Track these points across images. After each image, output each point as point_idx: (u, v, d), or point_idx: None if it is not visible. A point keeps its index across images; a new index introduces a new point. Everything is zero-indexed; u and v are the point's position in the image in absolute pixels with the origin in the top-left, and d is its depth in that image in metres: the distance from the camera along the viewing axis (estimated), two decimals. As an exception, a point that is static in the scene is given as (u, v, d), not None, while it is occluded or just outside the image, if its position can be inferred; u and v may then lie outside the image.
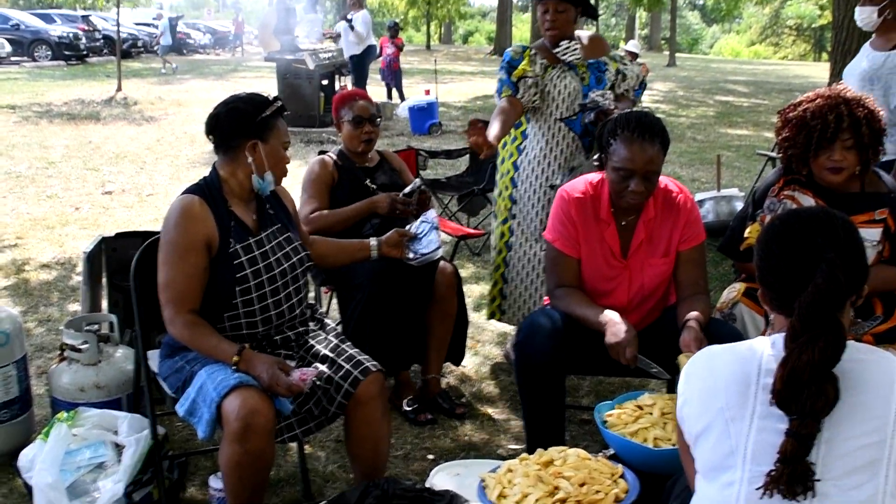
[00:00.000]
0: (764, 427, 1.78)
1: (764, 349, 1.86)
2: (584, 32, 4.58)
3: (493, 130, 4.13)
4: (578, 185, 3.46)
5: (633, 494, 2.52)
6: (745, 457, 1.79)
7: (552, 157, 4.48)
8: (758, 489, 1.73)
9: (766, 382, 1.80)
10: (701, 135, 14.74)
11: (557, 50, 4.43)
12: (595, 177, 3.47)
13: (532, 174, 4.52)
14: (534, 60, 4.42)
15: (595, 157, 3.53)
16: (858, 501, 1.72)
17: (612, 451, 2.95)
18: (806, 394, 1.72)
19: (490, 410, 4.25)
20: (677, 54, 40.73)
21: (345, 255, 3.57)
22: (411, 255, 3.61)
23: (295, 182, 4.38)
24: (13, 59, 29.36)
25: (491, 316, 4.79)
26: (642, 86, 4.66)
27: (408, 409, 4.14)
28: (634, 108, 3.67)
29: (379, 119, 4.54)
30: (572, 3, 4.37)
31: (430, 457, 3.77)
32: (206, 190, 3.03)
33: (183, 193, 3.03)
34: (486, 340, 5.17)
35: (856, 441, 1.74)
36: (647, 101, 18.12)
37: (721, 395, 1.84)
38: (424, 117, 13.82)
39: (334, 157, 4.37)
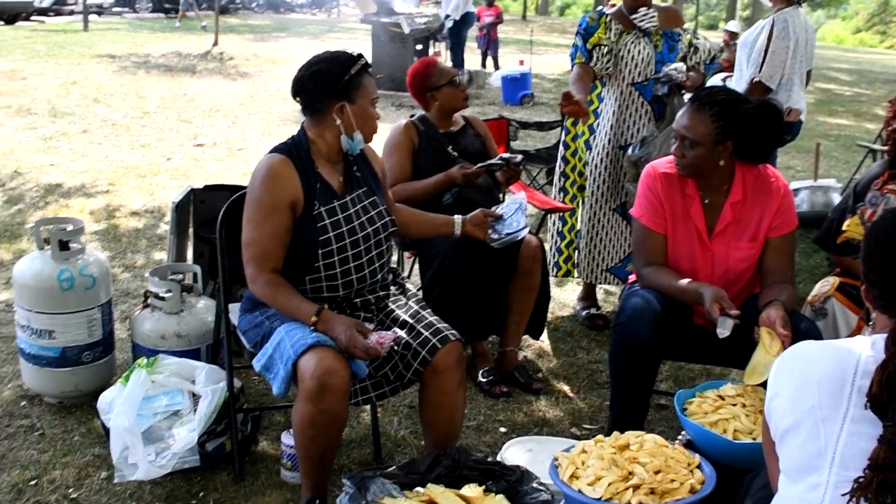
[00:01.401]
0: (856, 431, 1.69)
1: (863, 350, 1.76)
2: (661, 4, 4.64)
3: (578, 96, 4.31)
4: (665, 161, 3.39)
5: (709, 487, 2.45)
6: (833, 460, 1.70)
7: (622, 120, 4.65)
8: (844, 495, 1.65)
9: (862, 384, 1.70)
10: (799, 122, 14.32)
11: (635, 17, 4.59)
12: None
13: (605, 137, 4.69)
14: (609, 26, 4.58)
15: None
16: None
17: (687, 438, 2.88)
18: None
19: (566, 388, 4.18)
20: (780, 38, 39.61)
21: (427, 228, 3.51)
22: (494, 237, 3.51)
23: (379, 147, 4.35)
24: (115, 10, 29.90)
25: (566, 274, 5.03)
26: (713, 61, 4.81)
27: (483, 380, 4.11)
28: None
29: None
30: None
31: (503, 430, 3.73)
32: (294, 150, 3.01)
33: (270, 152, 3.02)
34: (568, 316, 5.09)
35: None
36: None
37: (814, 393, 1.75)
38: (517, 88, 13.69)
39: (416, 123, 4.32)
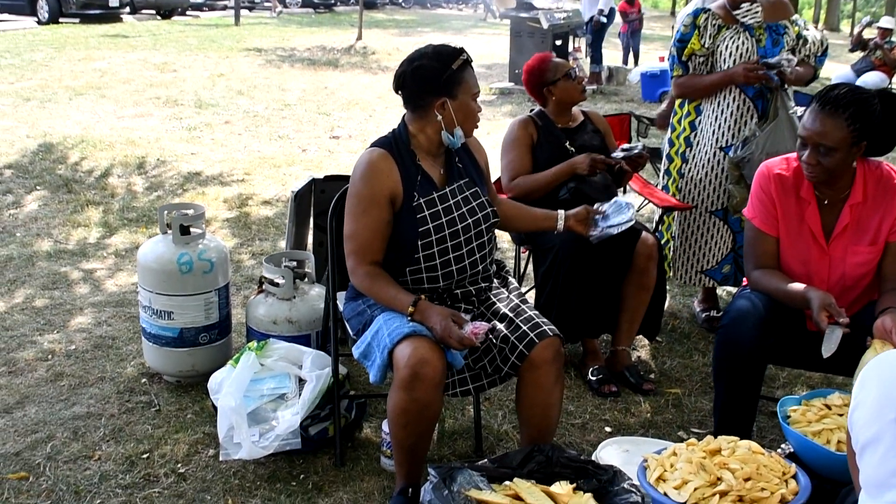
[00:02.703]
0: None
1: None
2: None
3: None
4: (779, 161, 3.26)
5: (802, 498, 2.36)
6: None
7: (723, 119, 4.48)
8: None
9: None
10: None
11: (738, 12, 4.42)
12: (795, 154, 3.24)
13: (704, 136, 4.54)
14: (705, 27, 4.42)
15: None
16: None
17: (791, 449, 2.78)
18: None
19: (678, 390, 4.09)
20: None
21: (529, 221, 3.48)
22: (594, 233, 3.42)
23: (499, 141, 4.35)
24: (266, 4, 30.78)
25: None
26: (825, 53, 4.57)
27: (592, 378, 4.06)
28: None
29: None
30: None
31: (608, 429, 3.68)
32: (394, 143, 3.04)
33: (371, 146, 3.06)
34: (687, 318, 4.98)
35: None
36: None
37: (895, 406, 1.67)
38: (656, 84, 13.43)
39: (534, 118, 4.30)
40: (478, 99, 3.05)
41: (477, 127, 3.10)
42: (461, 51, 3.00)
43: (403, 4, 36.18)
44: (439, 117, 2.97)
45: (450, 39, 20.90)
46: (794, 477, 2.46)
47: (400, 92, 3.05)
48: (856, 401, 1.79)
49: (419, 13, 31.07)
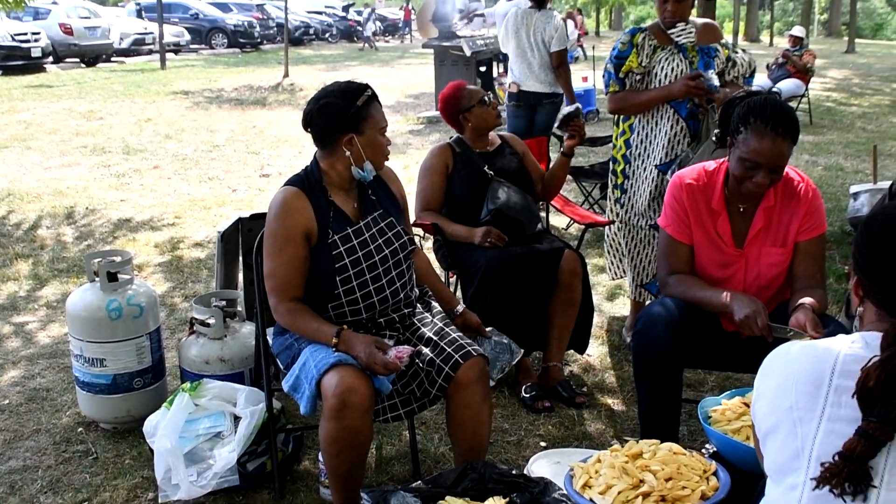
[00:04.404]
0: (832, 430, 1.69)
1: (842, 348, 1.76)
2: (698, 19, 4.62)
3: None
4: (691, 171, 3.38)
5: (721, 493, 2.45)
6: (810, 459, 1.70)
7: (658, 138, 4.55)
8: (812, 479, 1.65)
9: (839, 384, 1.70)
10: (871, 125, 14.04)
11: (672, 31, 4.49)
12: (711, 164, 3.37)
13: (640, 154, 4.63)
14: (642, 46, 4.49)
15: (715, 132, 3.44)
16: None
17: (714, 448, 2.88)
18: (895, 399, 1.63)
19: (610, 401, 4.19)
20: (859, 40, 38.90)
21: (431, 286, 3.45)
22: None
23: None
24: (192, 46, 30.70)
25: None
26: (752, 74, 4.68)
27: (526, 395, 4.14)
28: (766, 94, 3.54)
29: None
30: None
31: (543, 444, 3.76)
32: (307, 181, 3.10)
33: (285, 185, 3.12)
34: (615, 329, 5.10)
35: None
36: (818, 89, 17.45)
37: (791, 394, 1.76)
38: (581, 104, 13.63)
39: (451, 144, 4.40)
40: (386, 132, 3.13)
41: (387, 159, 3.18)
42: (366, 87, 3.08)
43: (330, 39, 36.28)
44: (348, 153, 3.04)
45: (377, 72, 21.12)
46: (715, 474, 2.55)
47: (309, 130, 3.12)
48: (757, 392, 1.88)
49: (346, 47, 31.27)
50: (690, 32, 4.49)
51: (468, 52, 13.04)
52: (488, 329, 3.41)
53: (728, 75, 4.59)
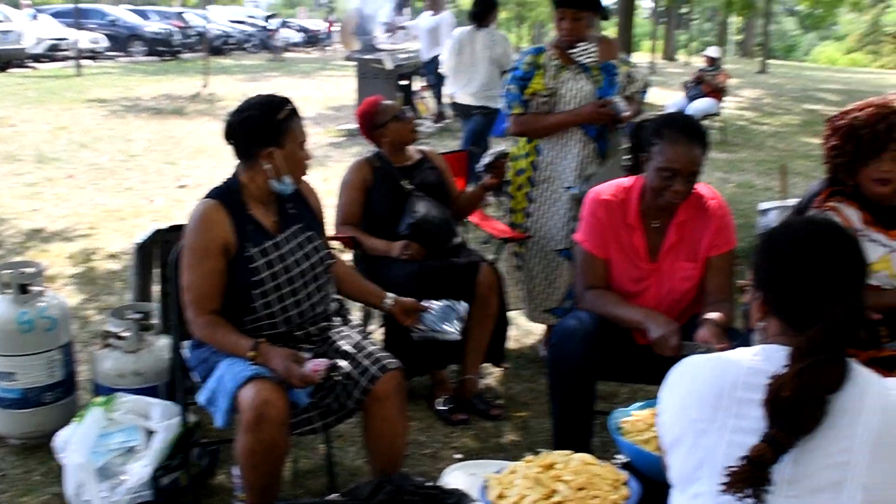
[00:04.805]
0: (734, 441, 1.75)
1: (743, 360, 1.83)
2: (593, 34, 4.63)
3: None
4: (608, 188, 3.46)
5: (633, 501, 2.50)
6: (713, 469, 1.77)
7: (568, 160, 4.58)
8: (719, 483, 1.71)
9: (741, 396, 1.77)
10: (782, 143, 14.45)
11: (573, 51, 4.52)
12: (626, 181, 3.46)
13: (548, 176, 4.63)
14: (546, 67, 4.52)
15: (627, 157, 3.54)
16: None
17: (625, 459, 2.94)
18: (805, 411, 1.69)
19: (525, 413, 4.25)
20: (772, 61, 39.93)
21: (356, 291, 3.51)
22: (420, 327, 3.44)
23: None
24: (109, 53, 30.13)
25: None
26: (646, 89, 4.78)
27: (442, 408, 4.18)
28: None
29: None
30: (588, 9, 4.47)
31: (458, 456, 3.79)
32: (226, 193, 3.11)
33: (205, 197, 3.12)
34: (531, 342, 5.16)
35: (822, 460, 1.71)
36: (731, 107, 17.84)
37: (694, 407, 1.83)
38: (501, 119, 13.71)
39: (371, 159, 4.42)
40: (305, 146, 3.15)
41: (306, 173, 3.19)
42: (286, 101, 3.09)
43: (250, 50, 35.99)
44: (268, 166, 3.05)
45: (298, 83, 21.01)
46: (626, 483, 2.61)
47: (230, 142, 3.13)
48: (662, 405, 1.95)
49: (266, 57, 31.03)
50: (593, 52, 4.54)
51: (390, 66, 13.08)
52: (427, 302, 3.45)
53: (627, 91, 4.64)
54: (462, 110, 8.91)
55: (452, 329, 3.45)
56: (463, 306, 3.52)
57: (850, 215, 3.44)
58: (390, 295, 3.46)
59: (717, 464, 1.76)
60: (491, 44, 8.35)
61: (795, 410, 1.70)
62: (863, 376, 1.78)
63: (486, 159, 4.39)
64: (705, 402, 1.81)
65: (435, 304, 3.46)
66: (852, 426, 1.71)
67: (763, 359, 1.81)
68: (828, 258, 1.84)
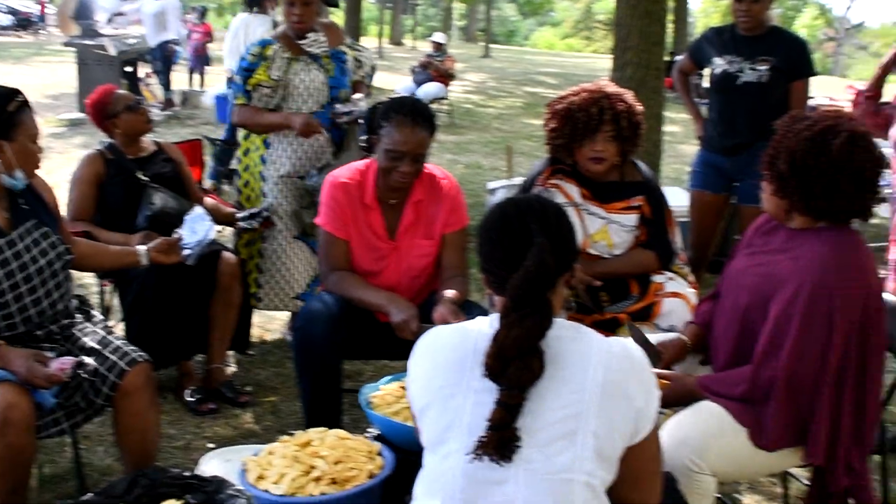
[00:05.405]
0: (479, 401, 1.92)
1: (480, 328, 2.01)
2: (321, 21, 4.74)
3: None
4: (345, 170, 3.60)
5: (387, 470, 2.64)
6: (461, 429, 1.92)
7: (301, 150, 4.65)
8: (468, 454, 1.87)
9: (479, 361, 1.94)
10: (507, 125, 15.17)
11: (304, 42, 4.58)
12: (362, 163, 3.61)
13: (282, 167, 4.67)
14: (273, 60, 4.53)
15: (363, 139, 3.68)
16: (559, 465, 1.87)
17: (377, 431, 3.07)
18: (513, 367, 1.87)
19: (274, 398, 4.32)
20: (494, 46, 41.53)
21: (109, 260, 3.48)
22: (187, 252, 3.58)
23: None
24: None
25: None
26: (373, 71, 4.92)
27: (190, 399, 4.17)
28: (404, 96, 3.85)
29: None
30: None
31: (211, 446, 3.80)
32: None
33: None
34: (275, 328, 5.22)
35: (556, 412, 1.90)
36: (458, 91, 18.48)
37: (441, 374, 1.99)
38: (227, 105, 13.57)
39: (103, 151, 4.31)
40: (38, 140, 3.05)
41: (38, 167, 3.10)
42: (16, 92, 2.98)
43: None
44: None
45: (10, 69, 19.73)
46: (380, 454, 2.75)
47: None
48: (410, 375, 2.10)
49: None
50: (324, 42, 4.64)
51: (114, 52, 12.57)
52: (176, 233, 3.63)
53: (356, 75, 4.78)
54: None
55: (207, 225, 3.66)
56: (198, 209, 3.74)
57: (571, 191, 3.76)
58: (141, 248, 3.46)
59: (465, 424, 1.93)
60: (265, 30, 8.24)
61: (505, 369, 1.88)
62: (587, 336, 1.99)
63: (247, 214, 4.51)
64: (450, 369, 1.98)
65: (183, 229, 3.62)
66: (581, 380, 1.92)
67: (489, 326, 2.00)
68: (504, 231, 2.05)
